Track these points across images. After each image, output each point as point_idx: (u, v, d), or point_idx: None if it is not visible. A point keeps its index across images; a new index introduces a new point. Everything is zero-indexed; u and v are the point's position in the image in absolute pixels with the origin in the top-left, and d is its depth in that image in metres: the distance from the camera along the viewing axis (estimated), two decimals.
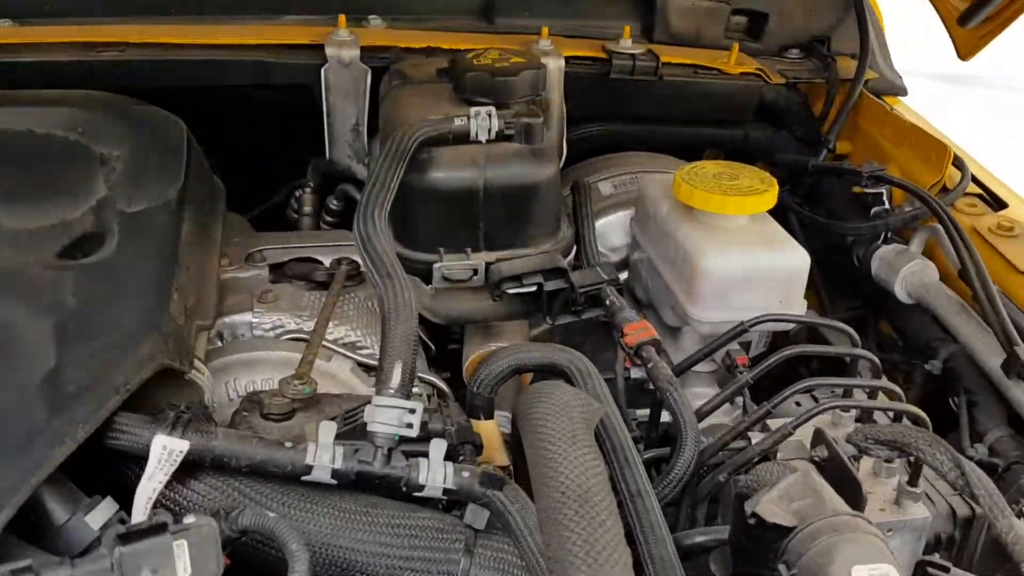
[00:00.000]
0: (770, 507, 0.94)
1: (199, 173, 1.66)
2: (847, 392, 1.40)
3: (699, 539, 1.30)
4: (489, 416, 1.39)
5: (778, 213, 1.83)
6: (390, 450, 1.12)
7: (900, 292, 1.82)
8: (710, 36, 2.26)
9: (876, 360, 1.42)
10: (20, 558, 0.94)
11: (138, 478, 1.11)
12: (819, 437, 1.22)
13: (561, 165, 2.10)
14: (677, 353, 1.81)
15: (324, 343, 1.52)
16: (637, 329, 1.50)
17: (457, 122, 1.55)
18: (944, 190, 1.93)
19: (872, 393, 1.40)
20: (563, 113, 2.02)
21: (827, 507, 0.95)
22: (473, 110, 1.56)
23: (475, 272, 1.57)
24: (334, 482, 1.11)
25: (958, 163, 1.97)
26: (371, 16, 2.09)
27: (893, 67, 2.36)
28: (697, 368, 1.69)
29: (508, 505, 1.10)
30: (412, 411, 1.13)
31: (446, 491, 1.12)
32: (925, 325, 1.82)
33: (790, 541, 0.93)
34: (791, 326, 1.67)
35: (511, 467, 1.37)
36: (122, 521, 1.03)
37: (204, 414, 1.21)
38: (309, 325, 1.59)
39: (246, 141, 2.18)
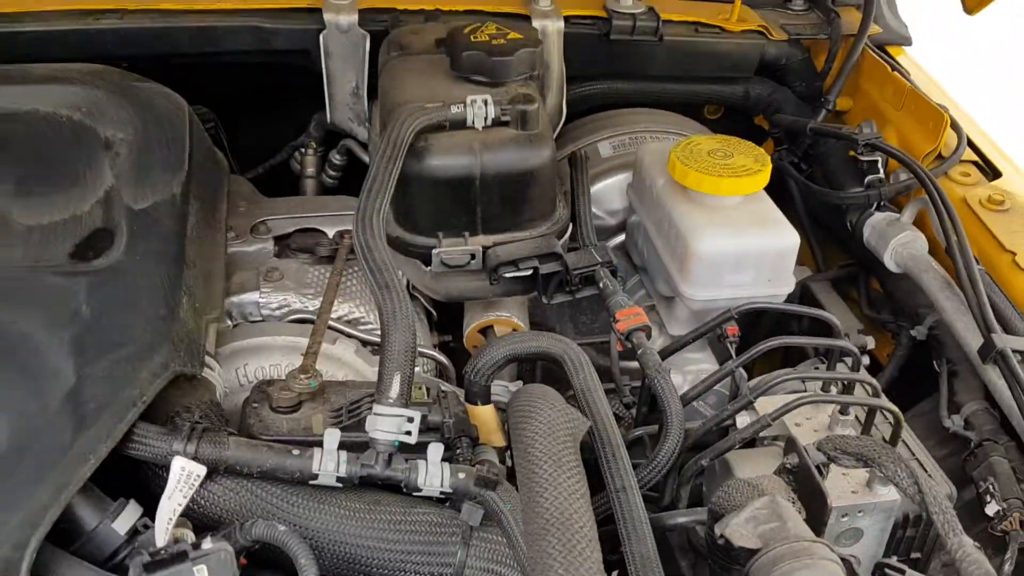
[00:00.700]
0: (738, 530, 1.03)
1: (202, 155, 1.69)
2: (826, 386, 1.47)
3: (680, 519, 1.41)
4: (487, 401, 1.46)
5: (776, 176, 1.85)
6: (391, 455, 1.21)
7: (889, 262, 1.85)
8: None
9: (856, 352, 1.48)
10: (56, 565, 1.05)
11: (156, 476, 1.21)
12: (792, 445, 1.29)
13: (560, 126, 2.12)
14: (671, 320, 1.88)
15: (329, 325, 1.59)
16: (628, 315, 1.56)
17: (453, 110, 1.57)
18: (940, 158, 1.94)
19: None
20: (563, 75, 2.02)
21: (790, 533, 1.02)
22: (469, 98, 1.57)
23: (473, 257, 1.62)
24: (339, 485, 1.21)
25: (956, 127, 1.98)
26: None
27: (898, 15, 2.32)
28: None
29: (501, 504, 1.20)
30: (411, 419, 1.22)
31: (443, 492, 1.21)
32: (913, 291, 1.85)
33: (753, 564, 1.01)
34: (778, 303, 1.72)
35: (510, 449, 1.45)
36: (145, 527, 1.13)
37: (217, 415, 1.30)
38: (314, 304, 1.66)
39: (248, 101, 2.19)
